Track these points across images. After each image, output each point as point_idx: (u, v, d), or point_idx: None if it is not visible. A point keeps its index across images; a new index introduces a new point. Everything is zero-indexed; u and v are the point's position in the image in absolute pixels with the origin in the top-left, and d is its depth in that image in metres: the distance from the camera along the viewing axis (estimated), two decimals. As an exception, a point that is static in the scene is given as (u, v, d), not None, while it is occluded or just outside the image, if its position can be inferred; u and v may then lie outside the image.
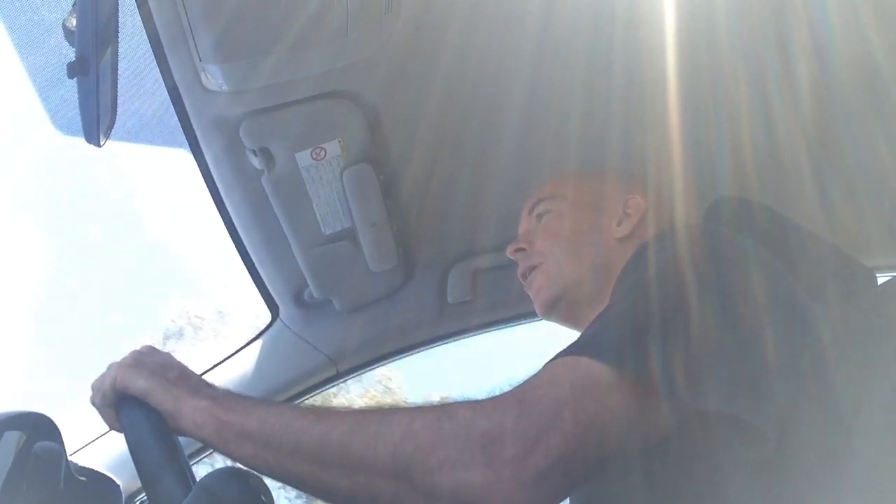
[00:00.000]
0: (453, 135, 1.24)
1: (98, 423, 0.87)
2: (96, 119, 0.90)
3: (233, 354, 1.42)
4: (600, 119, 1.24)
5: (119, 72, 0.93)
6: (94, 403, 0.86)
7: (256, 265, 1.34)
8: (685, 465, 0.76)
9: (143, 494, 0.89)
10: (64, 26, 0.88)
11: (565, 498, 0.74)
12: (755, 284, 0.78)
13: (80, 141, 0.93)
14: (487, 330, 1.54)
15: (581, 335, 0.79)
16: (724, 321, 0.73)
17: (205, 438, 0.79)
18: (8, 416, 0.80)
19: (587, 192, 1.15)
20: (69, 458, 0.84)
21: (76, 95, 0.90)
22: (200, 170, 1.18)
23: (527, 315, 1.50)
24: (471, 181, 1.32)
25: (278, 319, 1.45)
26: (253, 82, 1.01)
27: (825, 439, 0.73)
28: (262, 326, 1.46)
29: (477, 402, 0.72)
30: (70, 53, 0.88)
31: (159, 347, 0.90)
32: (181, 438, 0.82)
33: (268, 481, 0.79)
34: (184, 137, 1.11)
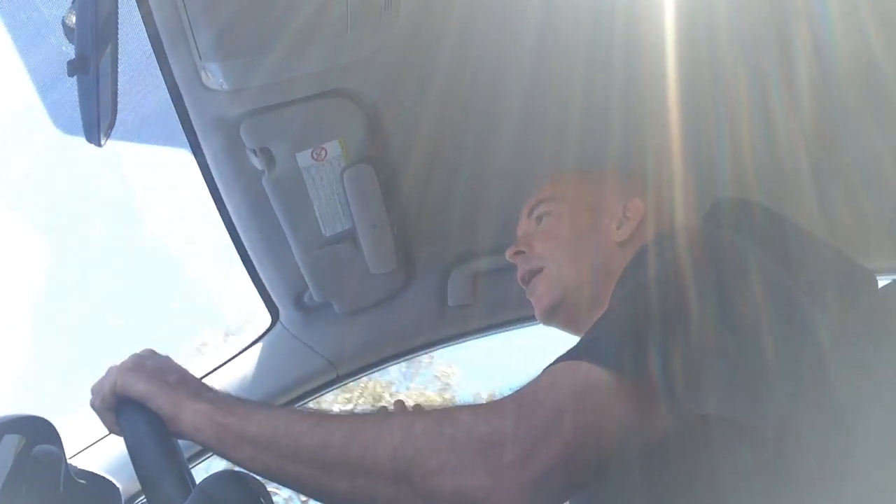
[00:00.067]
0: (453, 134, 1.24)
1: (97, 426, 0.87)
2: (96, 118, 0.90)
3: (233, 358, 1.42)
4: (600, 120, 1.24)
5: (119, 70, 0.92)
6: (93, 407, 0.86)
7: (256, 267, 1.33)
8: (685, 466, 0.76)
9: (143, 497, 0.89)
10: (64, 23, 0.88)
11: (565, 501, 0.74)
12: (754, 287, 0.78)
13: (81, 140, 0.93)
14: (488, 333, 1.55)
15: (581, 339, 0.79)
16: (724, 324, 0.74)
17: (204, 442, 0.78)
18: (7, 420, 0.80)
19: (586, 193, 1.14)
20: (68, 461, 0.84)
21: (76, 94, 0.90)
22: (200, 170, 1.17)
23: (528, 318, 1.50)
24: (471, 182, 1.32)
25: (278, 322, 1.45)
26: (253, 80, 1.01)
27: (825, 441, 0.73)
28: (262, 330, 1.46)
29: (477, 406, 0.72)
30: (70, 51, 0.88)
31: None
32: (181, 441, 0.82)
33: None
34: (184, 137, 1.11)
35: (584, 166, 1.23)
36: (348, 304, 1.42)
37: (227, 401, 0.81)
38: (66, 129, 1.01)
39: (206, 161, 1.15)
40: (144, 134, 1.16)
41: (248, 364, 1.42)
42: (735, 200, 1.06)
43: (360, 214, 1.26)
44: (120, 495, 0.93)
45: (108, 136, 0.94)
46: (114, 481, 0.92)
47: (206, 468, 1.29)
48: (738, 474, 0.74)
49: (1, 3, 0.93)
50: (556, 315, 1.09)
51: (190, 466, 0.82)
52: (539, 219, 1.15)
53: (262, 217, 1.22)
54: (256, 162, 1.14)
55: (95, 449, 1.25)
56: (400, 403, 1.15)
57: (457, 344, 1.54)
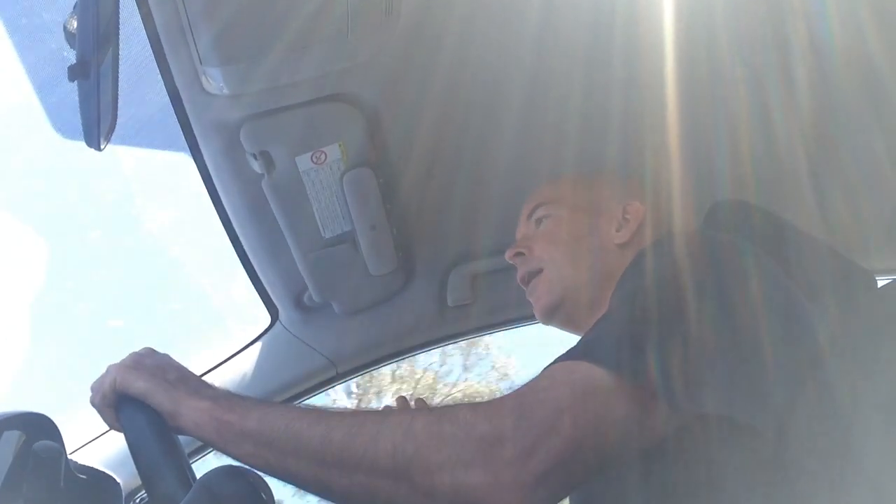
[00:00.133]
0: (452, 137, 1.24)
1: (98, 423, 0.87)
2: (96, 122, 0.91)
3: (232, 356, 1.42)
4: (599, 123, 1.24)
5: (119, 75, 0.93)
6: (93, 404, 0.86)
7: (256, 268, 1.34)
8: (684, 466, 0.76)
9: (144, 492, 0.89)
10: (65, 29, 0.88)
11: (564, 499, 0.74)
12: (753, 288, 0.78)
13: (81, 144, 0.94)
14: (487, 332, 1.55)
15: (580, 340, 0.80)
16: (723, 325, 0.74)
17: (205, 438, 0.79)
18: (7, 416, 0.81)
19: (586, 196, 1.14)
20: (69, 456, 0.85)
21: (76, 98, 0.90)
22: (200, 173, 1.18)
23: (527, 318, 1.51)
24: (470, 184, 1.33)
25: (278, 322, 1.45)
26: (253, 85, 1.02)
27: (824, 440, 0.73)
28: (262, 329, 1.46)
29: (477, 404, 0.73)
30: (71, 56, 0.88)
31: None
32: (181, 438, 0.82)
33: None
34: (184, 141, 1.11)
35: (584, 167, 1.23)
36: (348, 304, 1.43)
37: (227, 398, 0.81)
38: (66, 132, 1.01)
39: (205, 164, 1.16)
40: (144, 137, 1.16)
41: (247, 362, 1.42)
42: (734, 202, 1.06)
43: (360, 217, 1.26)
44: (121, 490, 0.93)
45: (107, 139, 0.94)
46: (114, 476, 0.92)
47: (207, 463, 1.29)
48: (737, 474, 0.74)
49: (2, 7, 0.93)
50: (555, 315, 1.09)
51: (190, 462, 0.82)
52: (538, 221, 1.15)
53: (262, 219, 1.23)
54: (256, 165, 1.14)
55: (96, 445, 1.25)
56: (402, 400, 1.15)
57: (457, 342, 1.54)
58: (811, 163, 1.31)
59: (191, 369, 0.87)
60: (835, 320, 0.83)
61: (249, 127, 1.09)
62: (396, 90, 1.13)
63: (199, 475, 0.75)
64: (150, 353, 0.87)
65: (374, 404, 9.73)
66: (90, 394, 0.86)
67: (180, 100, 1.03)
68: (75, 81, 0.88)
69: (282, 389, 1.42)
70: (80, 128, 0.93)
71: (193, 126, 1.08)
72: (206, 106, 1.04)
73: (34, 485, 0.77)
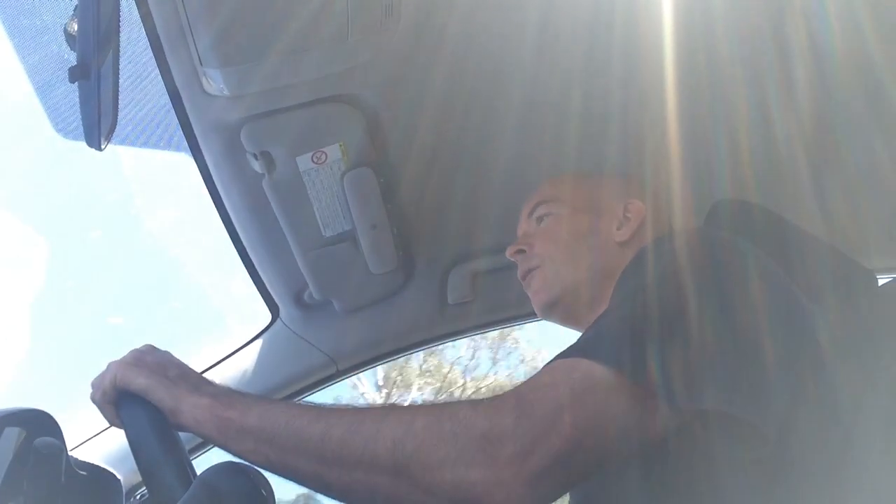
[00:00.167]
0: (452, 137, 1.25)
1: (98, 419, 0.87)
2: (97, 123, 0.91)
3: (232, 354, 1.42)
4: (599, 121, 1.24)
5: (120, 76, 0.93)
6: (94, 401, 0.86)
7: (256, 266, 1.34)
8: (685, 465, 0.76)
9: (144, 488, 0.89)
10: (65, 31, 0.89)
11: (563, 496, 0.74)
12: (754, 287, 0.78)
13: (81, 144, 0.94)
14: (487, 330, 1.56)
15: (581, 337, 0.80)
16: (723, 323, 0.74)
17: (205, 435, 0.79)
18: (8, 413, 0.81)
19: (587, 195, 1.15)
20: (69, 453, 0.85)
21: (77, 99, 0.91)
22: (201, 173, 1.18)
23: (528, 315, 1.51)
24: (470, 183, 1.33)
25: (278, 319, 1.45)
26: (253, 86, 1.02)
27: (824, 440, 0.74)
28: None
29: (477, 401, 0.73)
30: (71, 58, 0.88)
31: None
32: (181, 434, 0.82)
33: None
34: (184, 141, 1.12)
35: (583, 167, 1.23)
36: (348, 302, 1.43)
37: (228, 394, 0.82)
38: (67, 133, 1.02)
39: (206, 164, 1.16)
40: (145, 138, 1.17)
41: (247, 359, 1.42)
42: (735, 202, 1.06)
43: (360, 216, 1.26)
44: (121, 486, 0.94)
45: (108, 140, 0.94)
46: (115, 473, 0.92)
47: (208, 460, 1.30)
48: (737, 473, 0.74)
49: (3, 9, 0.94)
50: (553, 311, 1.09)
51: (191, 458, 0.83)
52: (539, 219, 1.15)
53: (262, 218, 1.23)
54: (256, 165, 1.15)
55: (96, 441, 1.26)
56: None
57: (456, 340, 1.54)
58: (811, 162, 1.31)
59: (191, 366, 0.87)
60: (836, 319, 0.83)
61: (250, 127, 1.09)
62: (397, 91, 1.13)
63: (199, 472, 0.75)
64: (150, 349, 0.87)
65: (402, 398, 9.73)
66: (91, 390, 0.86)
67: (180, 100, 1.04)
68: (76, 83, 0.88)
69: (282, 386, 1.43)
70: (81, 128, 0.93)
71: (194, 126, 1.08)
72: (206, 107, 1.05)
73: (35, 481, 0.77)
